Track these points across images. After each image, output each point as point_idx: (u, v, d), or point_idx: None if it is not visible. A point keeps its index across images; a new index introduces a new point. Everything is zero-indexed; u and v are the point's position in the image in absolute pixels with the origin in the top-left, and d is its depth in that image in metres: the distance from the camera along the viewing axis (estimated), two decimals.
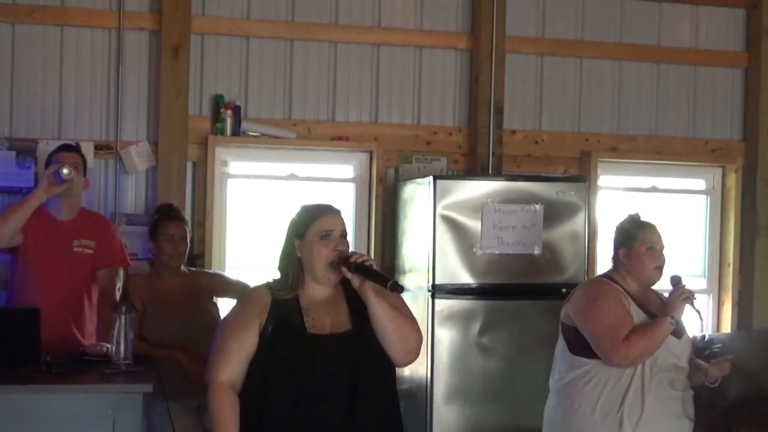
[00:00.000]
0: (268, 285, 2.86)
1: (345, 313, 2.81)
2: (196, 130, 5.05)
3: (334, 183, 5.40)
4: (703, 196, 5.94)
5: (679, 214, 5.85)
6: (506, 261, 4.69)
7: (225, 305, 4.36)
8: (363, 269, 2.71)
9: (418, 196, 4.89)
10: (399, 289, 2.68)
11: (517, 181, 4.86)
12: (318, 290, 2.82)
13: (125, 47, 5.00)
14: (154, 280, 4.34)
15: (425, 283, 4.67)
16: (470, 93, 5.48)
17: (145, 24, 5.03)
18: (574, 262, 4.79)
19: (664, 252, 3.42)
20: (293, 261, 2.82)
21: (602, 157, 5.58)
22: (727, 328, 5.79)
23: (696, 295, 3.34)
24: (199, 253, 4.93)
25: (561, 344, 3.47)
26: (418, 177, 5.08)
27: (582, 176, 5.38)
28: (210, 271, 4.78)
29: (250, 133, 5.12)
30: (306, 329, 2.75)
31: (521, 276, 4.71)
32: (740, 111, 5.91)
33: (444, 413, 4.61)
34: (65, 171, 3.82)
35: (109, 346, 3.50)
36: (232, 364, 2.74)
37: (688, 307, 3.31)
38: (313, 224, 2.80)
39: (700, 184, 5.94)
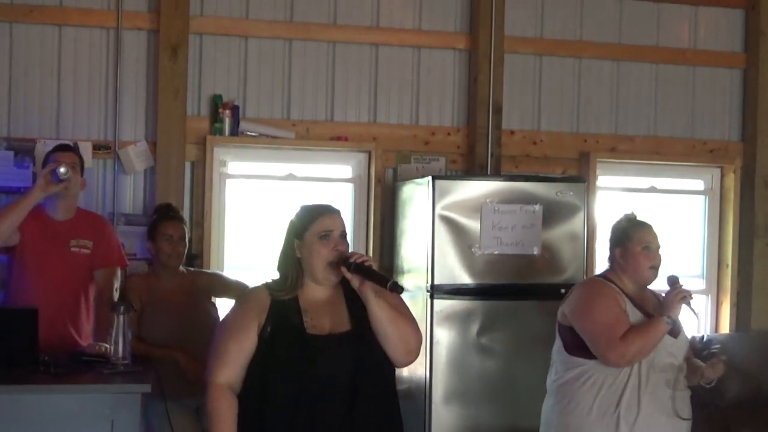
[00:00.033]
0: (267, 285, 2.85)
1: (344, 314, 2.79)
2: (195, 130, 5.04)
3: (332, 183, 5.40)
4: (702, 197, 5.94)
5: (678, 214, 5.85)
6: (505, 261, 4.69)
7: (224, 305, 4.35)
8: (362, 269, 2.70)
9: (416, 197, 4.88)
10: (398, 289, 2.67)
11: (516, 181, 4.85)
12: (317, 291, 2.81)
13: (123, 47, 5.00)
14: (152, 280, 4.32)
15: (424, 283, 4.66)
16: (469, 93, 5.48)
17: (143, 24, 5.02)
18: (573, 262, 4.79)
19: (660, 252, 3.42)
20: (292, 261, 2.81)
21: (601, 158, 5.58)
22: (725, 328, 5.79)
23: (693, 295, 3.34)
24: (198, 253, 4.93)
25: (558, 344, 3.47)
26: (417, 177, 5.07)
27: (581, 176, 5.39)
28: (208, 271, 4.77)
29: (248, 133, 5.12)
30: (305, 330, 2.74)
31: (520, 276, 4.71)
32: (739, 111, 5.91)
33: (443, 413, 4.61)
34: (62, 170, 3.80)
35: (108, 346, 3.49)
36: (231, 365, 2.73)
37: (685, 306, 3.30)
38: (312, 224, 2.78)
39: (698, 184, 5.94)
